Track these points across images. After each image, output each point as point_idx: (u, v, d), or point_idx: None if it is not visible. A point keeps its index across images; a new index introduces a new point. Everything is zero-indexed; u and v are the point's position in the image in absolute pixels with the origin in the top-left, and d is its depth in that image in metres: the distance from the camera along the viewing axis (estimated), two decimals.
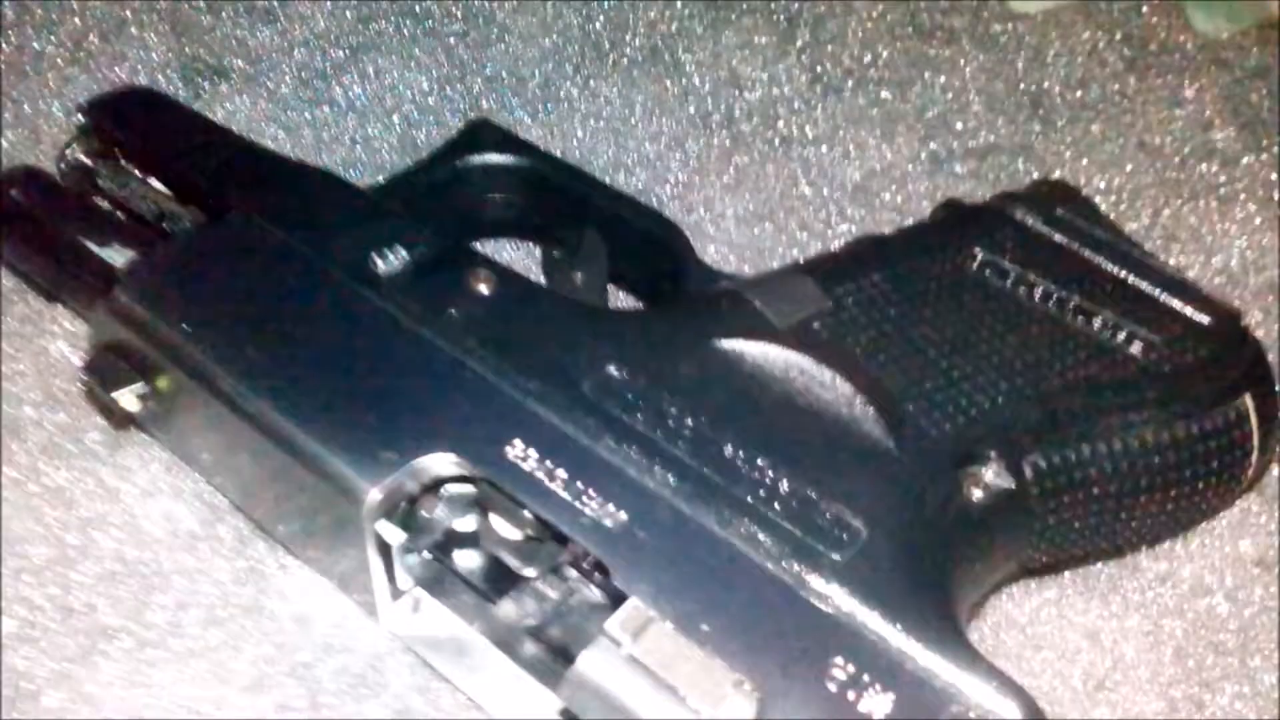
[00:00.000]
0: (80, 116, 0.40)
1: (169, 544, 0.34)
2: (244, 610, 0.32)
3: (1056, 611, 0.33)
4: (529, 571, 0.30)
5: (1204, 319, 0.34)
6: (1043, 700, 0.31)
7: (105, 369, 0.33)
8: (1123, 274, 0.34)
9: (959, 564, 0.29)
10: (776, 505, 0.28)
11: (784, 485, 0.28)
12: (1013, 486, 0.30)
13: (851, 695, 0.24)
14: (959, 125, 0.52)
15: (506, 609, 0.30)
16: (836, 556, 0.27)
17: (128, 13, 0.53)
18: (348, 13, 0.54)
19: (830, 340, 0.32)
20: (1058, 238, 0.35)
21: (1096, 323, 0.33)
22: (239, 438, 0.31)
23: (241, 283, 0.33)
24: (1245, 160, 0.51)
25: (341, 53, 0.52)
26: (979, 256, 0.35)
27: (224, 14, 0.53)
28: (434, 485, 0.30)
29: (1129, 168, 0.50)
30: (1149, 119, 0.53)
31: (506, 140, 0.40)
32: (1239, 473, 0.33)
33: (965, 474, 0.29)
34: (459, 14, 0.54)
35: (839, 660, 0.25)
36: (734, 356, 0.31)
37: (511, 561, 0.30)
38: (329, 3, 0.54)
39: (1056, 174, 0.50)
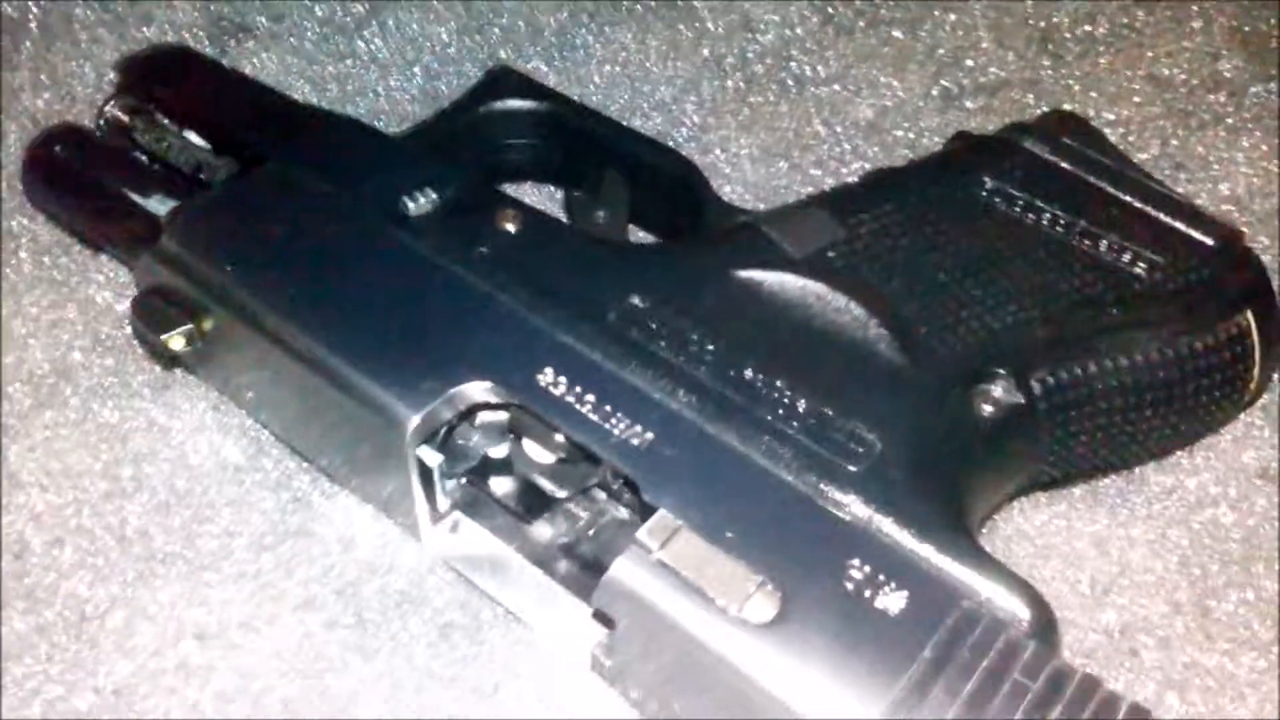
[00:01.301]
0: (115, 74, 0.42)
1: (216, 476, 0.36)
2: (291, 535, 0.34)
3: (1066, 523, 0.35)
4: (561, 492, 0.32)
5: (1207, 239, 0.35)
6: (1051, 603, 0.32)
7: (152, 313, 0.34)
8: (1128, 198, 0.35)
9: (971, 475, 0.30)
10: (795, 422, 0.30)
11: (802, 404, 0.30)
12: (1022, 402, 0.31)
13: (868, 593, 0.26)
14: (969, 62, 0.53)
15: (541, 528, 0.32)
16: (852, 468, 0.28)
17: None
18: None
19: (845, 268, 0.33)
20: (1065, 165, 0.36)
21: (1102, 245, 0.34)
22: (283, 373, 0.33)
23: (280, 227, 0.34)
24: (1253, 89, 0.52)
25: (362, 7, 0.53)
26: (988, 184, 0.36)
27: None
28: (469, 413, 0.32)
29: (1137, 100, 0.51)
30: (1157, 51, 0.53)
31: (527, 86, 0.41)
32: (1241, 386, 0.34)
33: (976, 391, 0.31)
34: None
35: (855, 562, 0.26)
36: (752, 286, 0.33)
37: (544, 484, 0.32)
38: None
39: (1066, 107, 0.51)
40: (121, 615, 0.32)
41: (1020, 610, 0.26)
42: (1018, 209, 0.35)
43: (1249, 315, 0.34)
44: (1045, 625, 0.26)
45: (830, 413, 0.30)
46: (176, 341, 0.34)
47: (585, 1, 0.54)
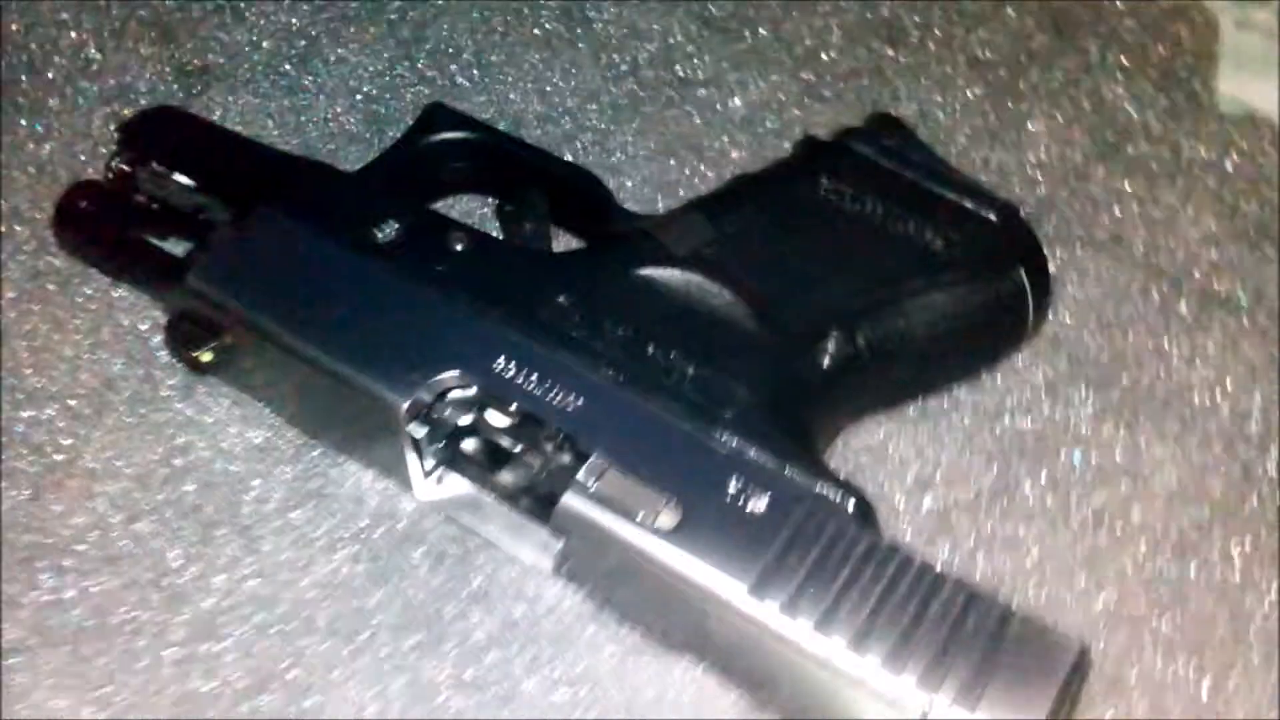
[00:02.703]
0: (116, 134, 0.50)
1: (245, 457, 0.45)
2: (313, 497, 0.44)
3: (898, 437, 0.46)
4: (517, 447, 0.42)
5: (991, 215, 0.46)
6: (882, 497, 0.44)
7: (184, 333, 0.44)
8: (929, 186, 0.46)
9: (815, 410, 0.42)
10: (685, 384, 0.40)
11: (689, 370, 0.41)
12: (851, 353, 0.42)
13: (742, 500, 0.37)
14: (824, 56, 0.63)
15: (505, 476, 0.42)
16: (727, 414, 0.39)
17: (114, 24, 0.62)
18: (304, 5, 0.63)
19: (716, 261, 0.44)
20: (883, 163, 0.47)
21: (910, 227, 0.45)
22: (294, 375, 0.43)
23: (278, 260, 0.44)
24: (1060, 64, 0.63)
25: (303, 42, 0.62)
26: (825, 184, 0.46)
27: (195, 15, 0.63)
28: (443, 394, 0.42)
29: (961, 81, 0.62)
30: (979, 36, 0.64)
31: (458, 119, 0.50)
32: (1020, 327, 0.46)
33: (816, 348, 0.42)
34: None
35: (733, 479, 0.37)
36: (648, 280, 0.43)
37: (504, 442, 0.42)
38: None
39: (904, 91, 0.61)
40: (195, 568, 0.42)
41: (847, 504, 0.37)
42: (847, 202, 0.46)
43: (1022, 272, 0.45)
44: (865, 513, 0.38)
45: (709, 374, 0.40)
46: (206, 355, 0.44)
47: (496, 25, 0.63)
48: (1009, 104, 0.61)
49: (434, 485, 0.43)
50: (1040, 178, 0.58)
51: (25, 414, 0.46)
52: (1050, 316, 0.50)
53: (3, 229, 0.52)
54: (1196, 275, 0.54)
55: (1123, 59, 0.63)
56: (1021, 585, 0.44)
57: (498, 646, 0.40)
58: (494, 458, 0.42)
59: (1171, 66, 0.63)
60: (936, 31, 0.65)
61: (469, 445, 0.43)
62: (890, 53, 0.63)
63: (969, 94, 0.61)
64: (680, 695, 0.39)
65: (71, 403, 0.46)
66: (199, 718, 0.38)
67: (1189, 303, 0.53)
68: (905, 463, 0.45)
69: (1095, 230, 0.55)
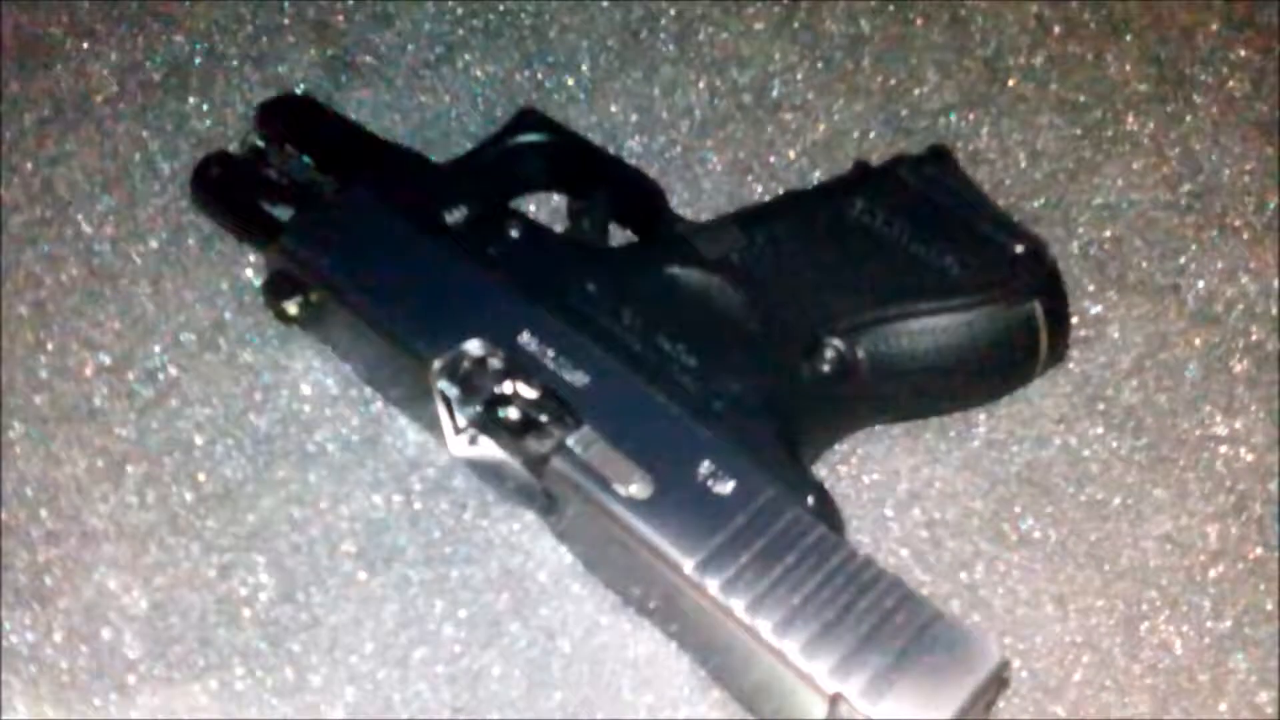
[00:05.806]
0: (255, 113, 0.58)
1: (318, 401, 0.52)
2: (367, 442, 0.50)
3: (897, 449, 0.48)
4: (542, 418, 0.46)
5: (1016, 247, 0.48)
6: (869, 505, 0.47)
7: (276, 287, 0.51)
8: (962, 216, 0.49)
9: (807, 414, 0.45)
10: (686, 375, 0.44)
11: (692, 361, 0.45)
12: (851, 363, 0.45)
13: (710, 481, 0.41)
14: (916, 92, 0.65)
15: (530, 443, 0.46)
16: (718, 405, 0.43)
17: (285, 20, 0.70)
18: (446, 15, 0.70)
19: (740, 266, 0.47)
20: (921, 190, 0.50)
21: (932, 251, 0.47)
22: (360, 333, 0.49)
23: (360, 232, 0.50)
24: (1156, 112, 0.63)
25: (441, 49, 0.68)
26: (858, 205, 0.49)
27: (356, 18, 0.70)
28: (481, 361, 0.47)
29: (1047, 123, 0.63)
30: (1076, 80, 0.65)
31: (544, 124, 0.56)
32: (1030, 360, 0.47)
33: (815, 355, 0.45)
34: (528, 12, 0.70)
35: (705, 463, 0.41)
36: (674, 277, 0.47)
37: (532, 413, 0.46)
38: (432, 6, 0.71)
39: (987, 129, 0.63)
40: (252, 487, 0.48)
41: (809, 500, 0.40)
42: (877, 223, 0.48)
43: (1037, 306, 0.47)
44: (824, 508, 0.41)
45: (709, 368, 0.44)
46: (291, 308, 0.50)
47: (611, 44, 0.68)
48: (1092, 147, 0.62)
49: (465, 443, 0.48)
50: (1108, 220, 0.58)
51: (140, 343, 0.53)
52: (1080, 354, 0.51)
53: (156, 188, 0.61)
54: (1254, 332, 0.54)
55: (1222, 113, 0.63)
56: (988, 602, 0.45)
57: (492, 590, 0.45)
58: (524, 427, 0.47)
59: (1274, 124, 0.62)
60: (1036, 74, 0.66)
61: (504, 413, 0.48)
62: (983, 91, 0.65)
63: (1054, 135, 0.62)
64: (637, 654, 0.43)
65: (181, 336, 0.54)
66: (228, 614, 0.45)
67: (1239, 359, 0.53)
68: (899, 475, 0.48)
69: (1153, 276, 0.56)
